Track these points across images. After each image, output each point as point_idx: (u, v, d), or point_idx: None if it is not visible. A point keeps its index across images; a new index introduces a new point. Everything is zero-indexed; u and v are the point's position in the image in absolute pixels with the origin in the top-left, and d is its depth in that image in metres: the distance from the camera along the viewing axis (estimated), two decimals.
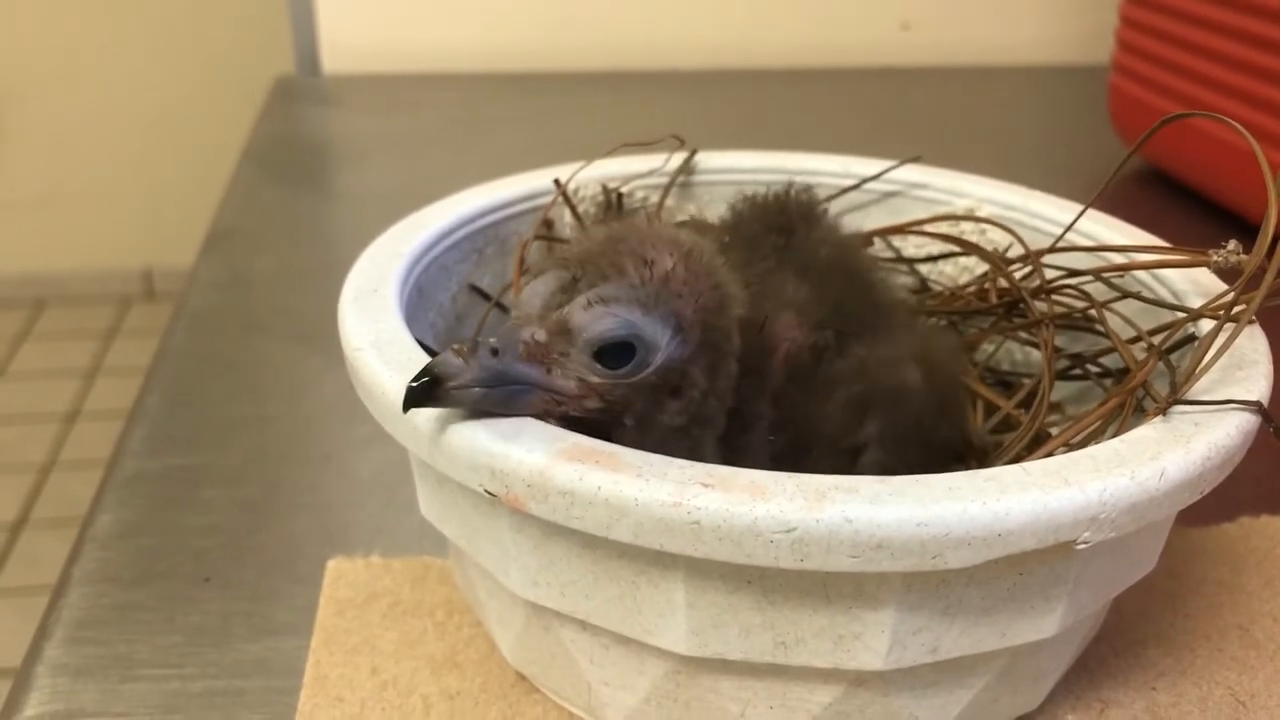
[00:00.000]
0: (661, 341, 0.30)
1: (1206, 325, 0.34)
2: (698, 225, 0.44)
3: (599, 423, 0.30)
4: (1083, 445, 0.30)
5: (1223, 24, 0.70)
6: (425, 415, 0.30)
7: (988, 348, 0.45)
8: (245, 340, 0.60)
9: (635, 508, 0.27)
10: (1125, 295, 0.39)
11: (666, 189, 0.47)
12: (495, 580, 0.32)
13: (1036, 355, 0.44)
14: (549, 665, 0.34)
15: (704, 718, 0.32)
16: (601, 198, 0.47)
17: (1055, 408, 0.43)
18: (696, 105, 0.99)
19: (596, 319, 0.30)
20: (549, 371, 0.30)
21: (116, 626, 0.39)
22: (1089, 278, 0.40)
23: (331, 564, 0.41)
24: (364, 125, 0.95)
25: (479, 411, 0.29)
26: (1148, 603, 0.40)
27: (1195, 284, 0.37)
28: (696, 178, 0.48)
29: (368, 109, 0.98)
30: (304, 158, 0.89)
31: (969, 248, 0.45)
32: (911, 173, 0.48)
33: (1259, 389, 0.31)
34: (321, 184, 0.84)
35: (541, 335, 0.30)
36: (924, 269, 0.47)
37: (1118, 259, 0.40)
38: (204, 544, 0.43)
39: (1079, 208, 0.44)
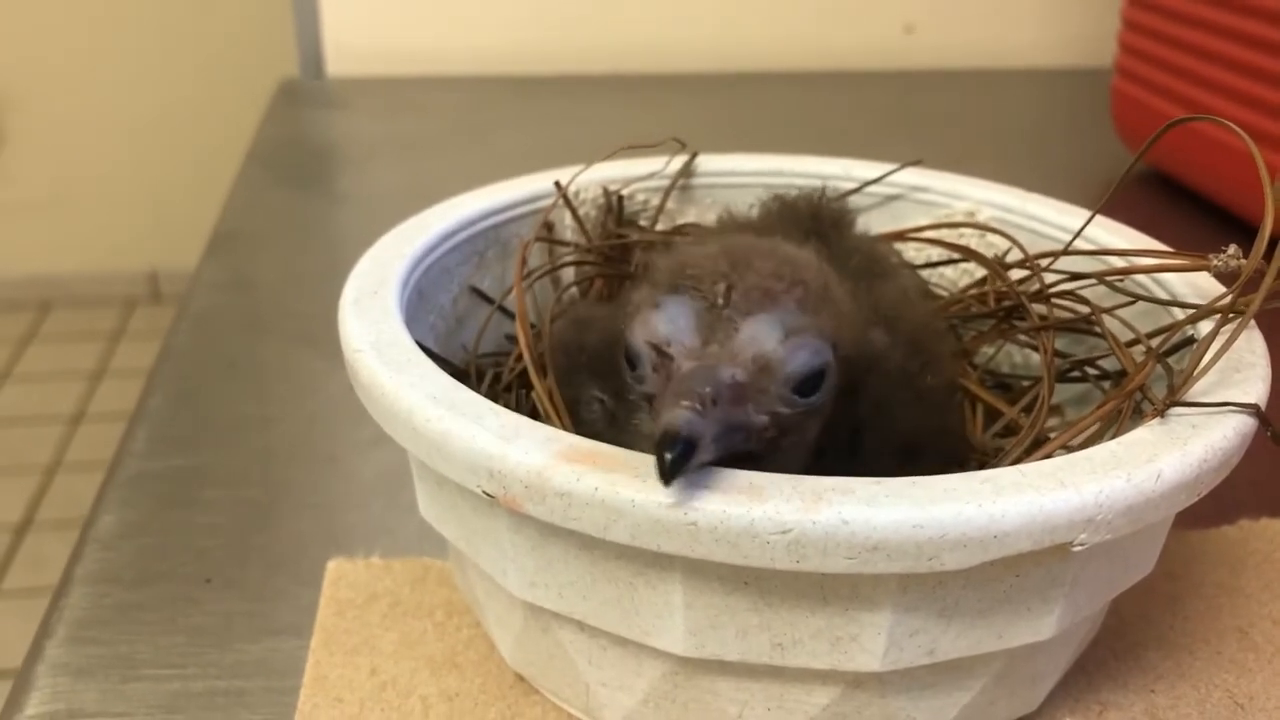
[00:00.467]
0: (834, 364, 0.30)
1: (1205, 328, 0.34)
2: (743, 227, 0.43)
3: (754, 453, 0.29)
4: (1080, 448, 0.30)
5: (1225, 27, 0.70)
6: (423, 415, 0.30)
7: (988, 350, 0.45)
8: (248, 341, 0.60)
9: (632, 509, 0.27)
10: (1126, 299, 0.39)
11: (667, 192, 0.48)
12: (494, 581, 0.33)
13: (1036, 358, 0.44)
14: (547, 666, 0.34)
15: (702, 719, 0.32)
16: (602, 200, 0.47)
17: (1056, 410, 0.43)
18: (700, 108, 0.99)
19: (796, 351, 0.29)
20: (748, 409, 0.28)
21: (118, 626, 0.39)
22: (1089, 281, 0.40)
23: (332, 565, 0.42)
24: (368, 127, 0.95)
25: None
26: (1147, 605, 0.40)
27: (1195, 287, 0.38)
28: (697, 180, 0.49)
29: (372, 111, 0.98)
30: (308, 160, 0.89)
31: (969, 254, 0.45)
32: (912, 176, 0.48)
33: (1256, 391, 0.31)
34: (325, 186, 0.84)
35: (742, 375, 0.28)
36: (925, 272, 0.47)
37: (1118, 263, 0.40)
38: (206, 544, 0.43)
39: (1079, 210, 0.44)
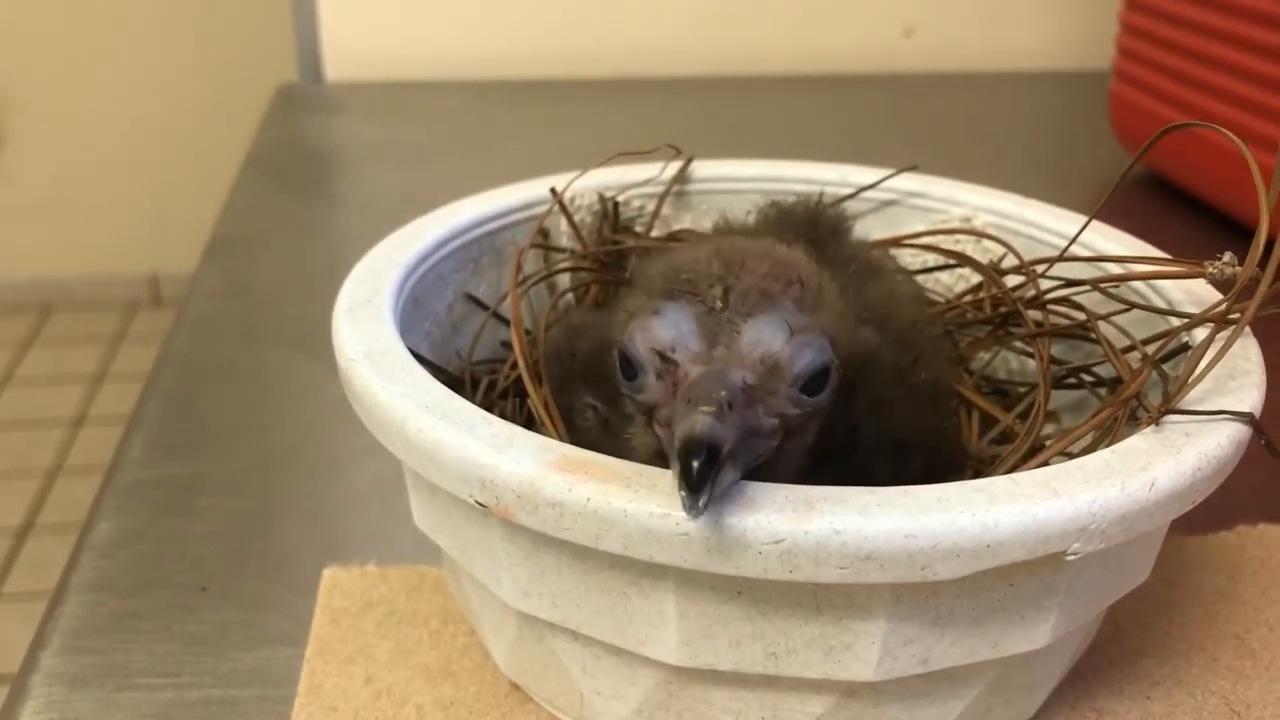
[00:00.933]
0: (836, 361, 0.29)
1: (1201, 335, 0.34)
2: (739, 233, 0.43)
3: (764, 460, 0.28)
4: (1076, 456, 0.30)
5: (1223, 31, 0.70)
6: (415, 425, 0.30)
7: (984, 356, 0.45)
8: (246, 347, 0.60)
9: (624, 519, 0.27)
10: (1122, 306, 0.39)
11: (662, 198, 0.48)
12: (488, 590, 0.33)
13: (1031, 364, 0.44)
14: (542, 675, 0.34)
15: None
16: (598, 207, 0.47)
17: (1052, 417, 0.43)
18: (698, 112, 0.99)
19: (801, 350, 0.28)
20: (758, 413, 0.28)
21: (113, 635, 0.39)
22: (1085, 288, 0.40)
23: (327, 573, 0.41)
24: (366, 132, 0.95)
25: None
26: (1143, 612, 0.40)
27: (1191, 294, 0.37)
28: (693, 186, 0.48)
29: (370, 116, 0.98)
30: (306, 165, 0.89)
31: (966, 261, 0.45)
32: (908, 181, 0.48)
33: (1251, 399, 0.31)
34: (324, 191, 0.84)
35: (752, 378, 0.28)
36: (921, 278, 0.47)
37: (1114, 269, 0.40)
38: (201, 552, 0.43)
39: (1075, 216, 0.44)
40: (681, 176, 0.48)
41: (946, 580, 0.27)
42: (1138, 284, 0.39)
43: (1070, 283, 0.40)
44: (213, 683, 0.37)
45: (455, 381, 0.39)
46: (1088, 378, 0.40)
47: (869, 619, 0.28)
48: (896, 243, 0.47)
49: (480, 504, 0.29)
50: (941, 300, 0.47)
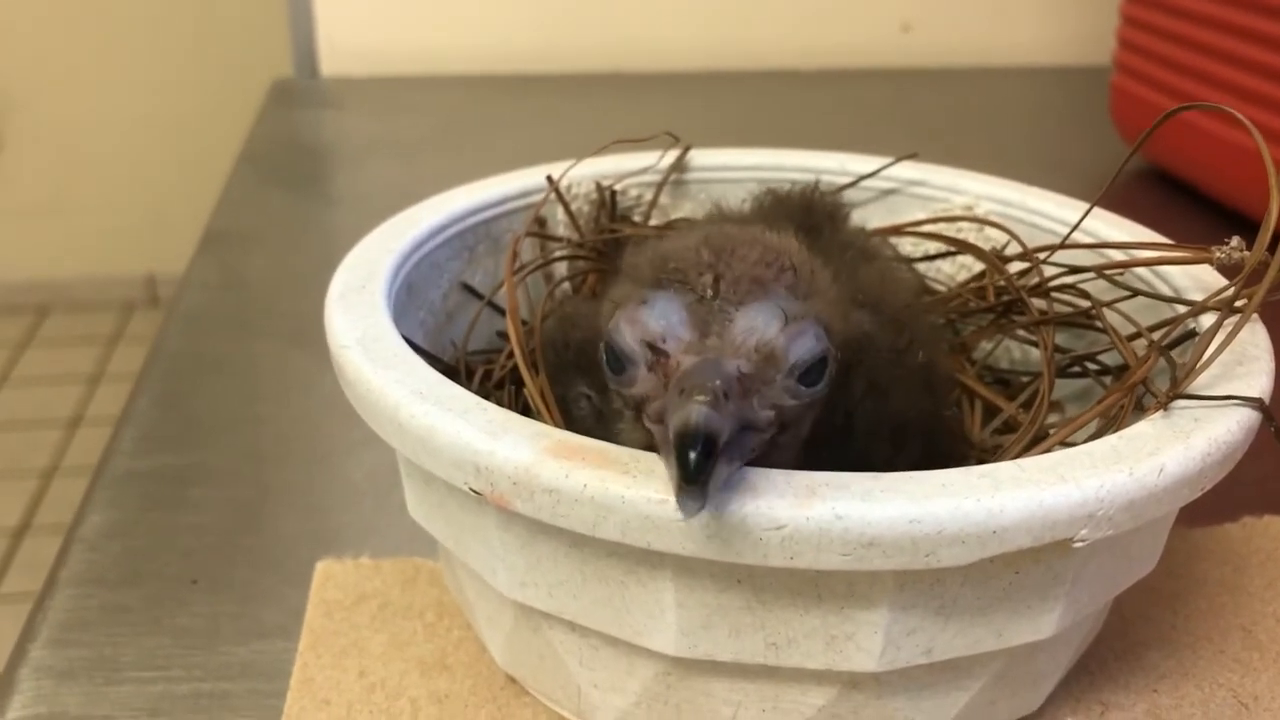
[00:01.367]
0: (832, 349, 0.29)
1: (1207, 322, 0.33)
2: (735, 220, 0.43)
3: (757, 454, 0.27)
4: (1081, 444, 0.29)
5: (1225, 21, 0.69)
6: (409, 411, 0.29)
7: (986, 346, 0.45)
8: (239, 341, 0.59)
9: (622, 505, 0.26)
10: (1127, 293, 0.38)
11: (660, 186, 0.47)
12: (483, 581, 0.32)
13: (1035, 353, 0.43)
14: (538, 667, 0.34)
15: None
16: (595, 196, 0.46)
17: (1056, 406, 0.42)
18: (695, 107, 0.98)
19: (797, 338, 0.27)
20: (753, 404, 0.27)
21: (102, 628, 0.38)
22: (1089, 275, 0.39)
23: (320, 565, 0.41)
24: (362, 127, 0.94)
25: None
26: (1149, 604, 0.40)
27: (1197, 281, 0.37)
28: (690, 175, 0.48)
29: (366, 111, 0.98)
30: (302, 160, 0.89)
31: (967, 248, 0.44)
32: (908, 170, 0.47)
33: (1260, 385, 0.31)
34: (319, 186, 0.83)
35: (747, 367, 0.27)
36: (921, 267, 0.47)
37: (1118, 256, 0.39)
38: (193, 545, 0.43)
39: (1077, 204, 0.43)
40: (679, 165, 0.48)
41: (951, 568, 0.26)
42: (1143, 271, 0.38)
43: (1074, 269, 0.40)
44: (203, 676, 0.36)
45: (450, 371, 0.39)
46: (1092, 366, 0.40)
47: (872, 608, 0.28)
48: (898, 231, 0.46)
49: (475, 491, 0.28)
50: (943, 289, 0.46)
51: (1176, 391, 0.30)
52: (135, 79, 2.07)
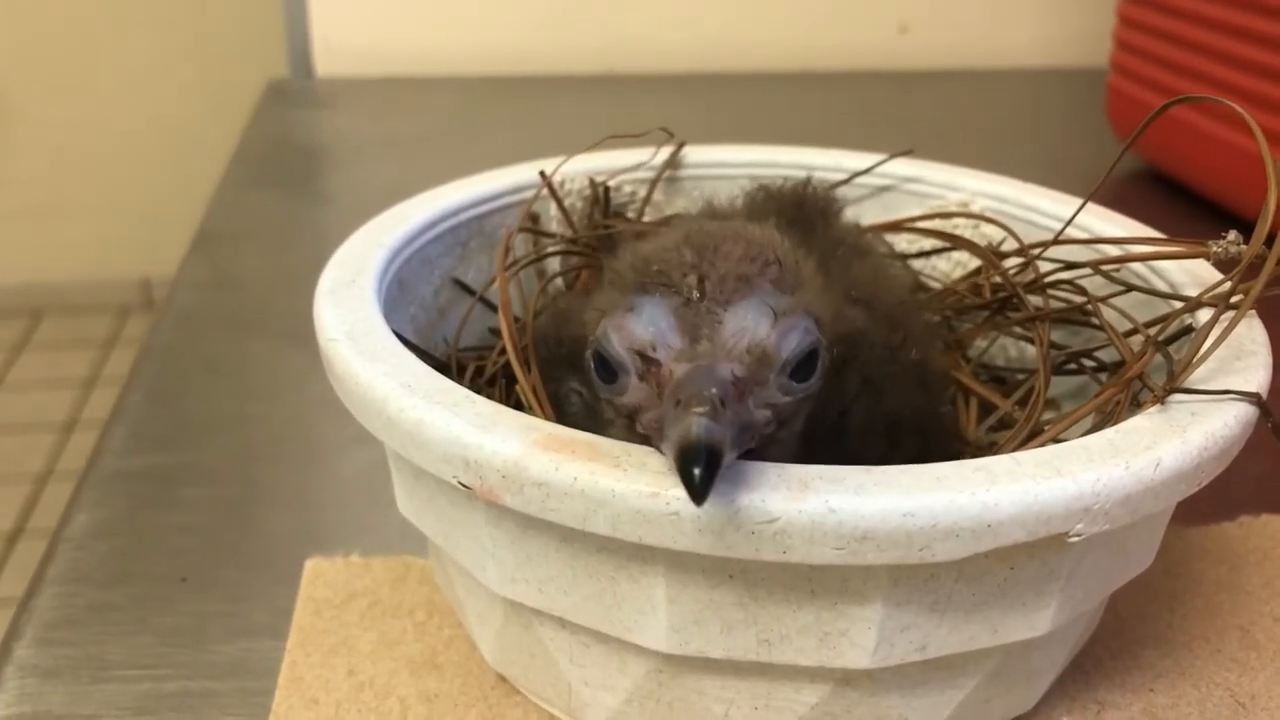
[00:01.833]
0: (823, 341, 0.28)
1: (1204, 318, 0.33)
2: (723, 216, 0.42)
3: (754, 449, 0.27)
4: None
5: (1222, 22, 0.69)
6: (397, 404, 0.29)
7: (981, 344, 0.45)
8: (231, 340, 0.59)
9: (613, 499, 0.26)
10: (1124, 289, 0.38)
11: (654, 182, 0.47)
12: (473, 578, 0.32)
13: (1030, 350, 0.43)
14: (529, 666, 0.33)
15: (687, 718, 0.31)
16: (588, 192, 0.46)
17: (1051, 404, 0.42)
18: (691, 108, 0.98)
19: (787, 334, 0.27)
20: (749, 406, 0.26)
21: (89, 627, 0.38)
22: (1085, 271, 0.39)
23: (309, 564, 0.40)
24: (357, 128, 0.94)
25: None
26: (1145, 603, 0.39)
27: (1193, 276, 0.37)
28: (685, 172, 0.48)
29: (361, 111, 0.97)
30: (296, 160, 0.88)
31: (963, 244, 0.44)
32: (904, 166, 0.47)
33: (1258, 379, 0.30)
34: (312, 186, 0.83)
35: (741, 370, 0.26)
36: (917, 264, 0.47)
37: (1114, 251, 0.39)
38: (181, 544, 0.42)
39: (1073, 200, 0.43)
40: (673, 161, 0.47)
41: (945, 562, 0.26)
42: (1139, 267, 0.38)
43: (1070, 265, 0.39)
44: (190, 674, 0.36)
45: (441, 366, 0.38)
46: (1088, 362, 0.39)
47: (865, 604, 0.27)
48: (892, 227, 0.46)
49: (464, 485, 0.28)
50: (938, 286, 0.46)
51: (1173, 385, 0.30)
52: (131, 81, 2.06)
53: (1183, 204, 0.75)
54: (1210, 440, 0.28)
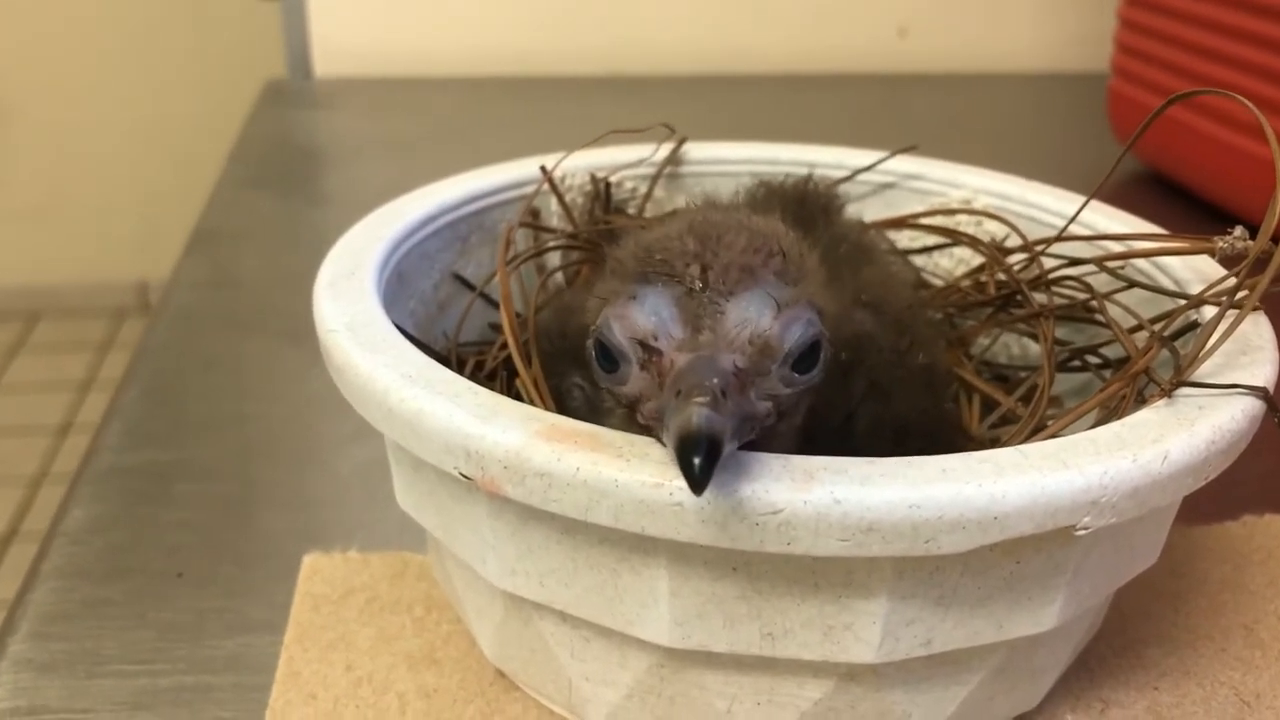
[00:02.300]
0: (825, 332, 0.28)
1: (1210, 313, 0.33)
2: (724, 209, 0.42)
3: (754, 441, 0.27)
4: None
5: (1223, 24, 0.69)
6: (398, 395, 0.28)
7: (983, 341, 0.44)
8: (228, 338, 0.58)
9: (615, 489, 0.25)
10: (1128, 284, 0.37)
11: (655, 178, 0.46)
12: (473, 571, 0.31)
13: (1033, 348, 0.43)
14: (528, 660, 0.33)
15: (689, 714, 0.30)
16: (590, 188, 0.46)
17: (1055, 401, 0.42)
18: (692, 110, 0.97)
19: (790, 326, 0.27)
20: (750, 397, 0.26)
21: (85, 622, 0.38)
22: (1089, 267, 0.39)
23: (307, 559, 0.40)
24: (356, 128, 0.94)
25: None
26: (1149, 601, 0.39)
27: (1198, 272, 0.36)
28: (686, 168, 0.47)
29: (359, 112, 0.97)
30: (294, 160, 0.88)
31: (966, 240, 0.44)
32: (906, 164, 0.47)
33: (1265, 374, 0.30)
34: (311, 186, 0.83)
35: (742, 361, 0.26)
36: (919, 260, 0.46)
37: (1118, 248, 0.39)
38: (178, 539, 0.42)
39: (1076, 198, 0.43)
40: (674, 158, 0.47)
41: (951, 555, 0.26)
42: (1143, 263, 0.38)
43: (1074, 261, 0.39)
44: (187, 669, 0.36)
45: (441, 360, 0.38)
46: (1093, 359, 0.39)
47: (870, 597, 0.27)
48: (895, 223, 0.46)
49: (465, 476, 0.27)
50: (941, 283, 0.45)
51: (1181, 379, 0.29)
52: (129, 83, 2.06)
53: (1183, 206, 0.75)
54: (1218, 433, 0.28)
